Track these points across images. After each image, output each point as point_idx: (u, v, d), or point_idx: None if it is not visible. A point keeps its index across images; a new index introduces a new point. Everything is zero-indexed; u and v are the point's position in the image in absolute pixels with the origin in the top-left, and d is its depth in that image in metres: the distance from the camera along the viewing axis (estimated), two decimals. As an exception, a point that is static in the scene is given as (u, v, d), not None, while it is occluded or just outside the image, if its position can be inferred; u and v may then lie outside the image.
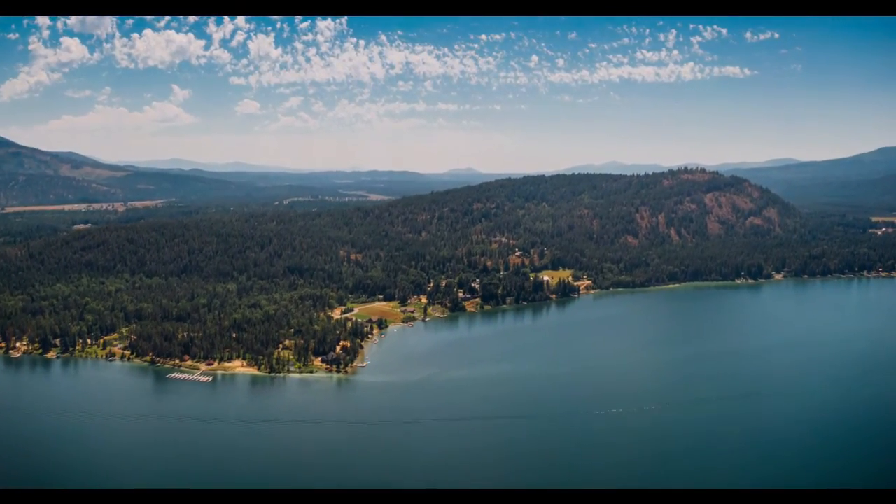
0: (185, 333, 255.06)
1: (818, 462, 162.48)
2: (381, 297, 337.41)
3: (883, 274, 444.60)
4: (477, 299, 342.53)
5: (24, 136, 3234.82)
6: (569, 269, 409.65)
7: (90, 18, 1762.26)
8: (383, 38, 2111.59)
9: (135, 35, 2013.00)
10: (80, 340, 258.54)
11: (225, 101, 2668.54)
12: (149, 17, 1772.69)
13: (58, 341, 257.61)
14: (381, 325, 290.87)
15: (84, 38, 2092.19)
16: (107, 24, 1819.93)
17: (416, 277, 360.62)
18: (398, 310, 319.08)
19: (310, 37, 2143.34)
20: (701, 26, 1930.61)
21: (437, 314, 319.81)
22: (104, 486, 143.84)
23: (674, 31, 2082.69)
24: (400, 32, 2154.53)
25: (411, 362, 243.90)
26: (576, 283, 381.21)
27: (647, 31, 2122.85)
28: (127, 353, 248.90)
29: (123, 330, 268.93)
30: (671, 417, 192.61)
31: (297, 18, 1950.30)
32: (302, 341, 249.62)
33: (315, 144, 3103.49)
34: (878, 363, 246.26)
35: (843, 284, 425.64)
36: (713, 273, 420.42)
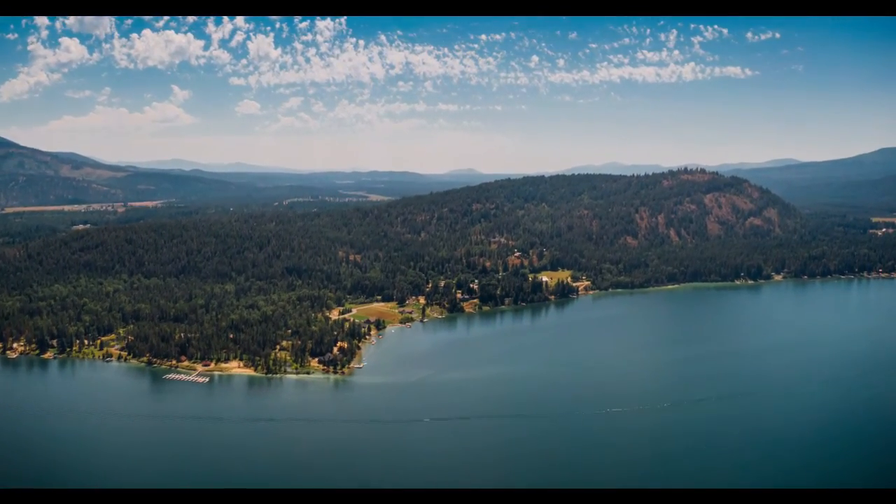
0: (182, 334, 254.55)
1: (818, 462, 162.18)
2: (379, 297, 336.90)
3: (883, 275, 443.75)
4: (475, 300, 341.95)
5: (25, 136, 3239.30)
6: (568, 269, 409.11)
7: (88, 18, 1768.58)
8: (383, 38, 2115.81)
9: (133, 35, 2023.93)
10: (77, 341, 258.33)
11: (225, 101, 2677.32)
12: (147, 17, 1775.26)
13: (55, 342, 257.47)
14: (379, 325, 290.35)
15: (83, 38, 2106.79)
16: (105, 24, 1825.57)
17: (414, 278, 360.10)
18: (396, 310, 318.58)
19: (309, 37, 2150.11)
20: (702, 26, 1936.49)
21: (435, 315, 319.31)
22: (98, 486, 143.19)
23: (674, 31, 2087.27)
24: (399, 32, 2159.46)
25: (408, 363, 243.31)
26: (574, 284, 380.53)
27: (648, 30, 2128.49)
28: (124, 353, 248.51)
29: (121, 330, 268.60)
30: (669, 417, 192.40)
31: (297, 18, 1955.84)
32: (299, 342, 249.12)
33: (315, 145, 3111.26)
34: (878, 364, 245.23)
35: (843, 285, 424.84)
36: (712, 274, 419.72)
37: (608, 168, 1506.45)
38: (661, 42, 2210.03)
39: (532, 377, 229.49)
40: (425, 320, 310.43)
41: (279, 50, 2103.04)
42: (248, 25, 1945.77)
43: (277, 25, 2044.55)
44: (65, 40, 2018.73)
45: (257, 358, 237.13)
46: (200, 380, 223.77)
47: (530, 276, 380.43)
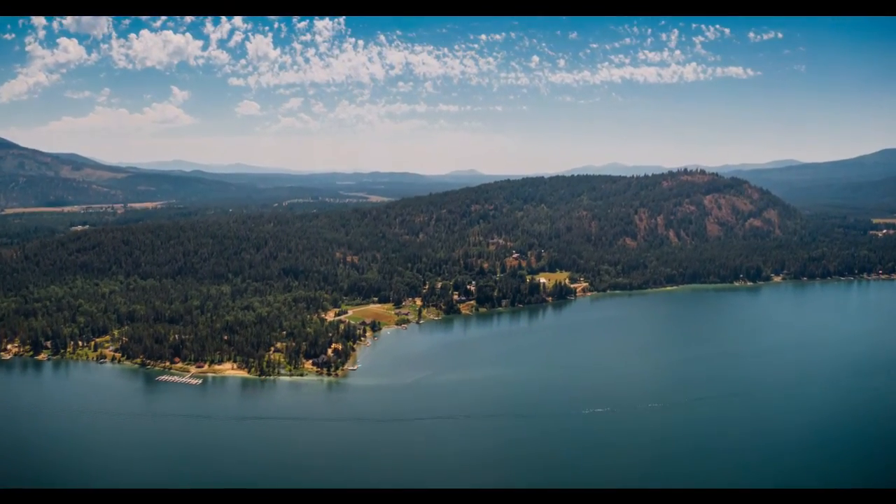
0: (176, 336, 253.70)
1: (817, 463, 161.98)
2: (375, 299, 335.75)
3: (883, 276, 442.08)
4: (472, 301, 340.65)
5: (25, 137, 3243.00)
6: (566, 271, 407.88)
7: (86, 18, 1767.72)
8: (382, 38, 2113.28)
9: (132, 35, 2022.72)
10: (72, 342, 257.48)
11: (224, 102, 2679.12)
12: (145, 17, 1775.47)
13: (49, 343, 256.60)
14: (375, 327, 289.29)
15: (81, 38, 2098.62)
16: (103, 24, 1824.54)
17: (411, 279, 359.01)
18: (392, 312, 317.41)
19: (308, 37, 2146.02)
20: (703, 26, 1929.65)
21: (431, 317, 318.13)
22: (85, 486, 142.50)
23: (676, 31, 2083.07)
24: (399, 32, 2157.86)
25: (403, 365, 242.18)
26: (572, 286, 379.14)
27: (649, 30, 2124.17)
28: (117, 355, 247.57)
29: (115, 332, 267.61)
30: (667, 418, 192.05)
31: (295, 18, 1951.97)
32: (293, 344, 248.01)
33: (316, 146, 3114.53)
34: (877, 365, 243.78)
35: (843, 287, 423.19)
36: (711, 275, 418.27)
37: (609, 169, 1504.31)
38: (662, 42, 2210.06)
39: (528, 379, 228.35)
40: (421, 322, 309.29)
41: (278, 50, 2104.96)
42: (246, 25, 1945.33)
43: (276, 25, 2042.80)
44: (63, 40, 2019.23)
45: (251, 360, 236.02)
46: (193, 381, 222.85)
47: (528, 278, 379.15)
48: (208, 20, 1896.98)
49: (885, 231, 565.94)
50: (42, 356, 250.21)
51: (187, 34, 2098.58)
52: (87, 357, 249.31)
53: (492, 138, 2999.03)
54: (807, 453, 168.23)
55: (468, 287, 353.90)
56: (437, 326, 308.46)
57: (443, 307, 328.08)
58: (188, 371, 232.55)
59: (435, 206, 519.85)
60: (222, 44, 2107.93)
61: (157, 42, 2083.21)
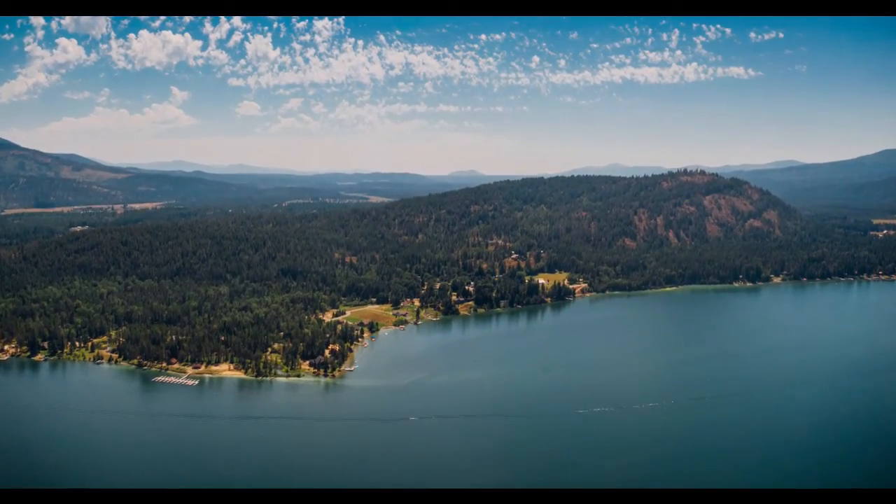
0: (173, 336, 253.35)
1: (816, 463, 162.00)
2: (374, 299, 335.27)
3: (883, 277, 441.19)
4: (470, 302, 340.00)
5: (26, 138, 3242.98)
6: (565, 271, 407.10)
7: (84, 18, 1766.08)
8: (382, 38, 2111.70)
9: (131, 35, 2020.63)
10: (69, 343, 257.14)
11: (224, 102, 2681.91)
12: (143, 17, 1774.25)
13: (46, 344, 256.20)
14: (373, 328, 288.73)
15: (80, 38, 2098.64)
16: (102, 24, 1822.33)
17: (409, 280, 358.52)
18: (390, 313, 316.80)
19: (307, 37, 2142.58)
20: (704, 26, 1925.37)
21: (429, 317, 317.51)
22: (82, 486, 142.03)
23: (677, 31, 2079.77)
24: (398, 32, 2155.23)
25: (400, 366, 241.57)
26: (571, 287, 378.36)
27: (650, 30, 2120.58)
28: (114, 356, 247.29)
29: (112, 332, 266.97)
30: (664, 418, 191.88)
31: (294, 18, 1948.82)
32: (290, 345, 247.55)
33: (316, 146, 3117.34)
34: (876, 366, 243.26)
35: (843, 287, 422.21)
36: (711, 276, 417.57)
37: (610, 170, 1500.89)
38: (663, 42, 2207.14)
39: (525, 380, 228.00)
40: (419, 323, 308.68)
41: (277, 50, 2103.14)
42: (245, 25, 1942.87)
43: (275, 25, 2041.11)
44: (62, 41, 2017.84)
45: (248, 360, 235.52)
46: (190, 382, 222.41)
47: (527, 279, 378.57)
48: (207, 20, 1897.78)
49: (885, 232, 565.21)
50: (39, 357, 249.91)
51: (186, 34, 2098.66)
52: (84, 358, 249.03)
53: (492, 139, 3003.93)
54: (806, 454, 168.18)
55: (467, 288, 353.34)
56: (435, 327, 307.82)
57: (441, 308, 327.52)
58: (185, 372, 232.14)
59: (434, 207, 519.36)
60: (221, 44, 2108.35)
61: (157, 42, 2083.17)
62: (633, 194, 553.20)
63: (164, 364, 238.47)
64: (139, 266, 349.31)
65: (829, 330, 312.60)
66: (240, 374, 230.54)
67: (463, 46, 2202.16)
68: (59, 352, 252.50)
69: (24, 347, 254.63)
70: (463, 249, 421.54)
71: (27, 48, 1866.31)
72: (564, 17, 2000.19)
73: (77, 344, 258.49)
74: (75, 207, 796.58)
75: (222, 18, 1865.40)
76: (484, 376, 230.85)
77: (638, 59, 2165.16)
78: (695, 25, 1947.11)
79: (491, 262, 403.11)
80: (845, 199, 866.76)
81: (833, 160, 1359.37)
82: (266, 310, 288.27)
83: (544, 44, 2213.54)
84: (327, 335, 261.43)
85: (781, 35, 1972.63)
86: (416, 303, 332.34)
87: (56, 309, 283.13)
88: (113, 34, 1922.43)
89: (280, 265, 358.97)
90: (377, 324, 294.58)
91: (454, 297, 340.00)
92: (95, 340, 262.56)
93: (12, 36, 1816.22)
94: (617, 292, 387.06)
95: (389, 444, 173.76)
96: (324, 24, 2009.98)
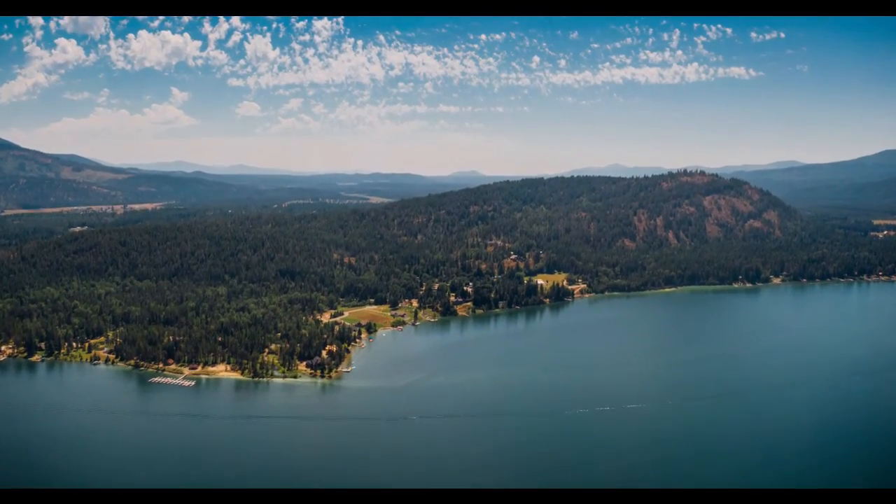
0: (170, 337, 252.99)
1: (815, 464, 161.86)
2: (372, 300, 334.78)
3: (883, 278, 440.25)
4: (469, 303, 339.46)
5: (26, 138, 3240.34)
6: (564, 272, 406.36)
7: (83, 18, 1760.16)
8: (381, 38, 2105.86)
9: (130, 35, 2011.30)
10: (66, 344, 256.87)
11: (224, 102, 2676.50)
12: (142, 17, 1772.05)
13: (43, 344, 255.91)
14: (370, 329, 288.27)
15: (78, 38, 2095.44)
16: (100, 24, 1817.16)
17: (408, 281, 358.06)
18: (388, 314, 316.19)
19: (307, 37, 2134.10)
20: (705, 26, 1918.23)
21: (427, 318, 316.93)
22: (74, 486, 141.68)
23: (677, 31, 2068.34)
24: (398, 32, 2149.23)
25: (397, 367, 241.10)
26: (570, 287, 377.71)
27: (651, 30, 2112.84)
28: (111, 356, 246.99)
29: (110, 333, 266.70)
30: (665, 418, 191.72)
31: (293, 18, 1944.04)
32: (287, 346, 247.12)
33: (317, 147, 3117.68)
34: (876, 367, 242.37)
35: (842, 288, 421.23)
36: (710, 277, 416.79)
37: (611, 170, 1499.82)
38: (664, 42, 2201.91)
39: (522, 380, 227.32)
40: (417, 324, 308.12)
41: (277, 50, 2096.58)
42: (244, 25, 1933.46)
43: (274, 25, 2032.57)
44: (61, 41, 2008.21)
45: (245, 361, 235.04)
46: (186, 383, 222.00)
47: (526, 279, 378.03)
48: (206, 20, 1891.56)
49: (885, 232, 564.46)
50: (36, 357, 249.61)
51: (185, 34, 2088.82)
52: (81, 358, 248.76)
53: (493, 139, 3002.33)
54: (806, 454, 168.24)
55: (465, 288, 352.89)
56: (433, 328, 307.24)
57: (439, 309, 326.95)
58: (181, 373, 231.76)
59: (434, 208, 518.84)
60: (220, 44, 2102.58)
61: (156, 42, 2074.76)
62: (633, 195, 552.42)
63: (161, 365, 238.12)
64: (137, 267, 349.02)
65: (828, 331, 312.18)
66: (236, 375, 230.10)
67: (463, 46, 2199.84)
68: (56, 352, 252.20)
69: (21, 348, 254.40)
70: (462, 250, 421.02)
71: (26, 48, 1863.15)
72: (565, 17, 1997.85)
73: (74, 345, 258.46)
74: (75, 208, 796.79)
75: (221, 18, 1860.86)
76: (481, 377, 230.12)
77: (639, 59, 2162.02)
78: (696, 25, 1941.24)
79: (490, 263, 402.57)
80: (846, 200, 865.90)
81: (834, 160, 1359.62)
82: (264, 310, 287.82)
83: (544, 44, 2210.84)
84: (325, 336, 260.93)
85: (783, 35, 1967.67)
86: (415, 303, 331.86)
87: (54, 309, 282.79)
88: (112, 34, 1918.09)
89: (278, 266, 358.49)
90: (375, 325, 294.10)
91: (452, 298, 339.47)
92: (93, 341, 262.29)
93: (11, 36, 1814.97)
94: (616, 293, 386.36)
95: (384, 444, 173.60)
96: (323, 24, 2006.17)
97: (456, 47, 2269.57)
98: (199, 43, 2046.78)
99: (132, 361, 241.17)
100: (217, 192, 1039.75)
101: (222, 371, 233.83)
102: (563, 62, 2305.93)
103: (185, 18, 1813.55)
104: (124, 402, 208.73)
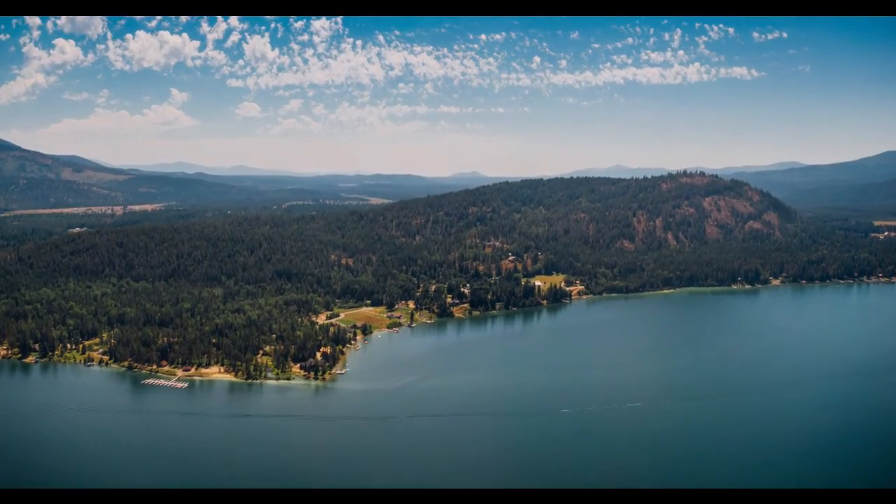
0: (164, 339, 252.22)
1: (815, 464, 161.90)
2: (368, 302, 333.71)
3: (883, 279, 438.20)
4: (466, 305, 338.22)
5: (26, 139, 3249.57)
6: (562, 273, 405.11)
7: (80, 18, 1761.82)
8: (381, 38, 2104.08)
9: (128, 35, 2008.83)
10: (60, 345, 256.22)
11: (224, 103, 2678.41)
12: (139, 17, 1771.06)
13: (37, 346, 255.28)
14: (366, 330, 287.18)
15: (76, 39, 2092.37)
16: (97, 24, 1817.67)
17: (405, 282, 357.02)
18: (385, 315, 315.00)
19: (305, 37, 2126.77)
20: (707, 25, 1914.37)
21: (424, 320, 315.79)
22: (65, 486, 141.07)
23: (679, 31, 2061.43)
24: (397, 32, 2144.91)
25: (392, 369, 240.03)
26: (568, 289, 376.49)
27: (652, 30, 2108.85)
28: (105, 357, 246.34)
29: (104, 334, 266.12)
30: (664, 419, 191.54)
31: (291, 18, 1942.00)
32: (282, 347, 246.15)
33: (318, 148, 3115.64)
34: (876, 368, 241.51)
35: (842, 290, 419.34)
36: (709, 278, 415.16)
37: (613, 171, 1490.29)
38: (665, 42, 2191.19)
39: (517, 383, 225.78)
40: (414, 325, 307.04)
41: (276, 51, 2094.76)
42: (242, 25, 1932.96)
43: (272, 25, 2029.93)
44: (59, 41, 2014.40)
45: (238, 363, 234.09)
46: (179, 385, 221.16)
47: (523, 281, 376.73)
48: (204, 20, 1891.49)
49: (886, 234, 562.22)
50: (30, 359, 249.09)
51: (184, 34, 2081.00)
52: (75, 360, 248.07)
53: (494, 140, 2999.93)
54: (806, 454, 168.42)
55: (462, 290, 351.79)
56: (430, 330, 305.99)
57: (436, 310, 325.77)
58: (175, 374, 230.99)
59: (432, 209, 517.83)
60: (219, 44, 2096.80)
61: (154, 43, 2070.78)
62: (633, 196, 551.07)
63: (155, 366, 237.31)
64: (134, 268, 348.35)
65: (828, 332, 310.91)
66: (230, 377, 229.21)
67: (463, 47, 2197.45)
68: (51, 354, 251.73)
69: (16, 349, 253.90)
70: (460, 251, 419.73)
71: (24, 49, 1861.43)
72: (565, 17, 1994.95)
73: (69, 346, 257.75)
74: (75, 209, 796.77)
75: (219, 18, 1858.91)
76: (476, 379, 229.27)
77: (640, 59, 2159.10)
78: (697, 25, 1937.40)
79: (488, 264, 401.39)
80: (847, 201, 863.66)
81: (835, 161, 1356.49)
82: (259, 312, 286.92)
83: (545, 44, 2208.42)
84: (319, 338, 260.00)
85: (785, 35, 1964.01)
86: (411, 305, 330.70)
87: (49, 311, 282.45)
88: (109, 34, 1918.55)
89: (275, 267, 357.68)
90: (371, 326, 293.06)
91: (449, 300, 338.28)
92: (87, 342, 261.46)
93: (8, 36, 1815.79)
94: (614, 294, 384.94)
95: (377, 444, 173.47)
96: (321, 24, 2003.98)
97: (456, 47, 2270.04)
98: (197, 43, 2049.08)
99: (126, 363, 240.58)
100: (217, 194, 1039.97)
101: (216, 373, 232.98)
102: (563, 62, 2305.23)
103: (183, 18, 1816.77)
104: (116, 403, 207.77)
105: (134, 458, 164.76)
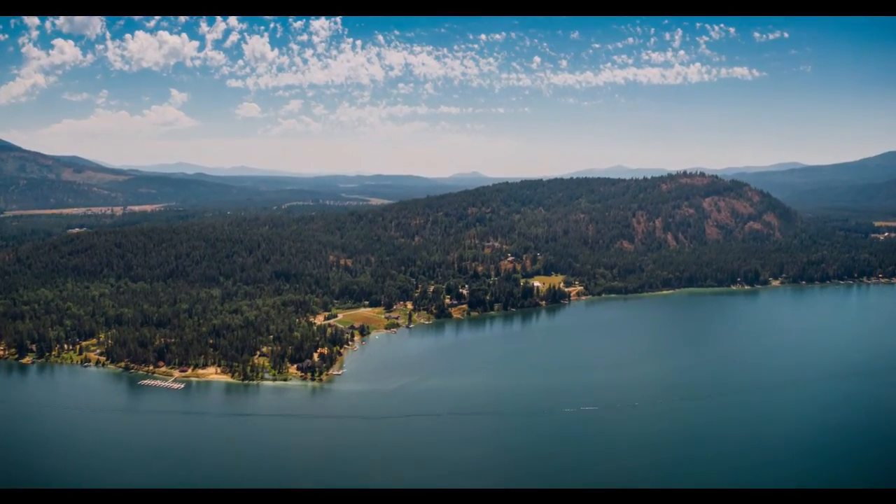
0: (161, 339, 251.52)
1: (815, 464, 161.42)
2: (366, 303, 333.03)
3: (883, 280, 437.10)
4: (464, 305, 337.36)
5: (27, 140, 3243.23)
6: (561, 274, 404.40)
7: (78, 18, 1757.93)
8: (380, 38, 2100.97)
9: (127, 36, 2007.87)
10: (58, 345, 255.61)
11: (224, 104, 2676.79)
12: (138, 17, 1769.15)
13: (34, 346, 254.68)
14: (364, 331, 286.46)
15: (75, 39, 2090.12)
16: (96, 24, 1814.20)
17: (403, 283, 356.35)
18: (383, 316, 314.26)
19: (305, 37, 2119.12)
20: (708, 25, 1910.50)
21: (422, 321, 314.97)
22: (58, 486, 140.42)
23: (680, 31, 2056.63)
24: (397, 32, 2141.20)
25: (390, 370, 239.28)
26: (567, 290, 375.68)
27: (653, 30, 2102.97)
28: (102, 358, 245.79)
29: (102, 335, 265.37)
30: (662, 419, 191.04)
31: (291, 18, 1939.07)
32: (279, 348, 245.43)
33: (318, 148, 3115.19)
34: (875, 369, 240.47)
35: (842, 291, 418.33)
36: (709, 279, 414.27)
37: (613, 171, 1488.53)
38: (666, 42, 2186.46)
39: (513, 384, 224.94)
40: (412, 326, 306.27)
41: (276, 51, 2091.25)
42: (241, 25, 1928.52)
43: (272, 26, 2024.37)
44: (58, 42, 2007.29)
45: (235, 364, 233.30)
46: (175, 386, 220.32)
47: (522, 281, 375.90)
48: (203, 20, 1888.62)
49: (886, 234, 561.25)
50: (27, 359, 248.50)
51: (183, 34, 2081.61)
52: (72, 360, 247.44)
53: (494, 140, 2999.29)
54: (806, 455, 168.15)
55: (461, 291, 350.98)
56: (428, 331, 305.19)
57: (434, 311, 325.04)
58: (171, 375, 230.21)
59: (431, 209, 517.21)
60: (218, 44, 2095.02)
61: (153, 43, 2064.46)
62: (632, 196, 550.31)
63: (151, 367, 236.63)
64: (132, 268, 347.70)
65: (827, 332, 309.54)
66: (227, 378, 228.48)
67: (463, 47, 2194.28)
68: (48, 354, 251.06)
69: (13, 350, 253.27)
70: (459, 252, 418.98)
71: (23, 49, 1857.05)
72: (565, 17, 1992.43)
73: (66, 346, 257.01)
74: (75, 210, 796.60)
75: (218, 18, 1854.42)
76: (474, 380, 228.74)
77: (640, 59, 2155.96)
78: (698, 25, 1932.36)
79: (487, 265, 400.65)
80: (847, 202, 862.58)
81: (836, 162, 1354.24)
82: (256, 313, 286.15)
83: (545, 44, 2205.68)
84: (317, 339, 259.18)
85: (786, 35, 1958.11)
86: (409, 306, 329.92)
87: (46, 311, 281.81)
88: (108, 34, 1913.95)
89: (274, 267, 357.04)
90: (368, 327, 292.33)
91: (448, 300, 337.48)
92: (84, 343, 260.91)
93: (7, 37, 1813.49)
94: (613, 295, 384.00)
95: (375, 443, 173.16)
96: (321, 24, 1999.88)
97: (456, 47, 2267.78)
98: (196, 43, 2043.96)
99: (122, 364, 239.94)
100: (218, 194, 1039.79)
101: (212, 374, 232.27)
102: (564, 62, 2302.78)
103: (182, 18, 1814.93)
104: (112, 403, 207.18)
105: (131, 458, 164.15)
